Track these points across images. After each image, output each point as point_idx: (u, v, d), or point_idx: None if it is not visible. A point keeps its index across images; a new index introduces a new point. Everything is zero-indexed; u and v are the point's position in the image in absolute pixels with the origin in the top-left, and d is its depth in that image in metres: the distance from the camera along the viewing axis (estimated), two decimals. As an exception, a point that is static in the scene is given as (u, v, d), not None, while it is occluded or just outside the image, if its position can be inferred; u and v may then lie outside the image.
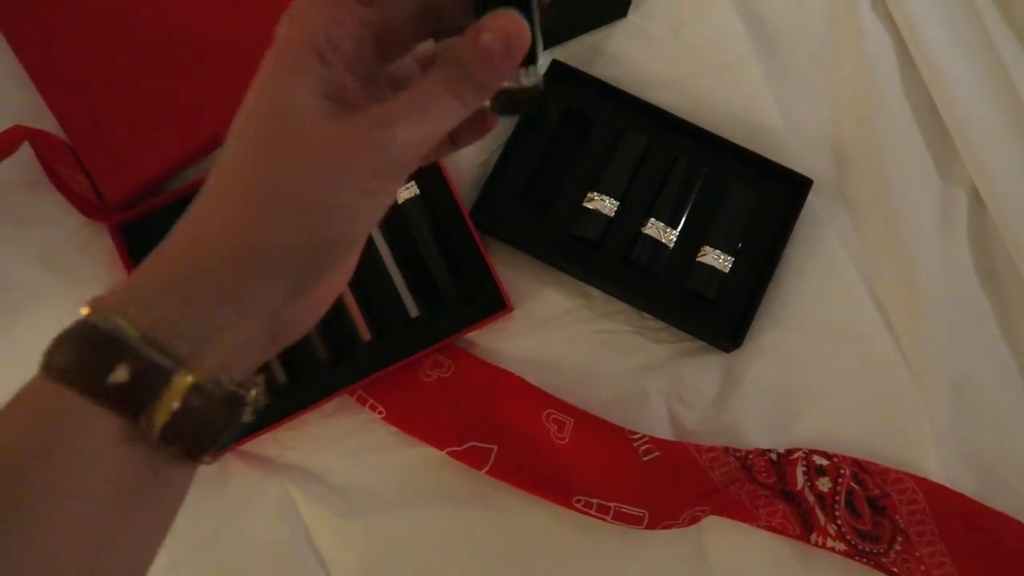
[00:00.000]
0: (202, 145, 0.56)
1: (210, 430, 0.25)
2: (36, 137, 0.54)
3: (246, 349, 0.27)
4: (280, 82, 0.26)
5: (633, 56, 0.59)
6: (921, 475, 0.52)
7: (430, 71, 0.26)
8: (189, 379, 0.25)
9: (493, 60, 0.26)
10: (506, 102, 0.28)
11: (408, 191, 0.56)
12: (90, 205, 0.56)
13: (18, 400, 0.25)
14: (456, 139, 0.31)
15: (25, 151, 0.56)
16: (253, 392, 0.27)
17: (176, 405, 0.24)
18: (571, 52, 0.58)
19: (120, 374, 0.24)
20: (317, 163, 0.25)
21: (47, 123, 0.56)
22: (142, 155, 0.55)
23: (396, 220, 0.56)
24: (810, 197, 0.56)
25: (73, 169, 0.55)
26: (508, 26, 0.25)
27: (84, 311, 0.25)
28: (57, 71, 0.56)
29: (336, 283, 0.31)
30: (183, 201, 0.56)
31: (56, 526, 0.24)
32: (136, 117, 0.56)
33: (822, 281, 0.56)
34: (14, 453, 0.24)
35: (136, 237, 0.56)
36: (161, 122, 0.56)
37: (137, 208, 0.55)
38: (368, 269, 0.56)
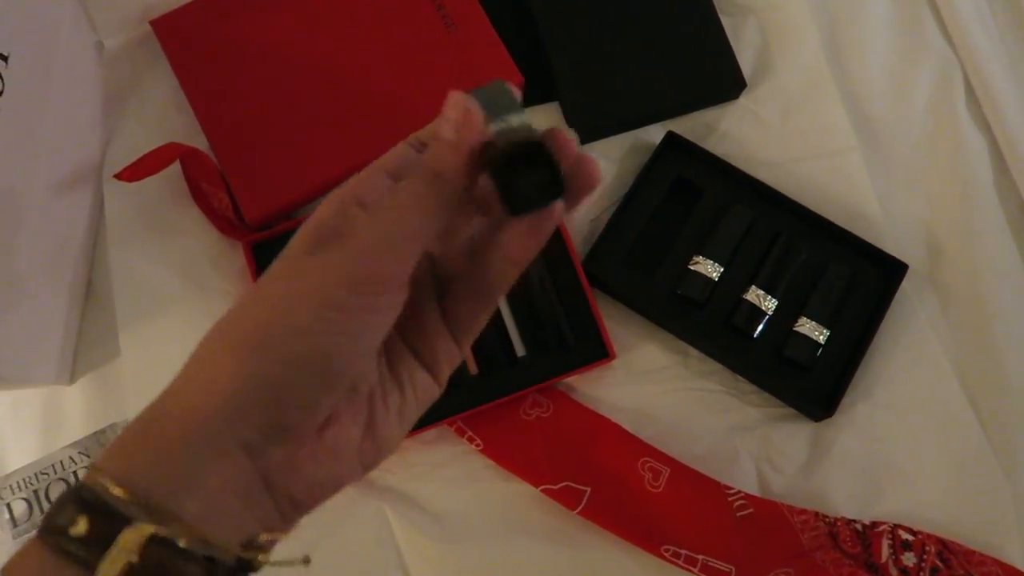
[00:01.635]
0: (337, 177, 0.60)
1: None
2: (188, 155, 0.59)
3: (232, 499, 0.25)
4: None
5: (743, 136, 0.63)
6: (1006, 561, 0.53)
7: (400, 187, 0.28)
8: (149, 531, 0.23)
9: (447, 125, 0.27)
10: (509, 174, 0.26)
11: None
12: (228, 223, 0.60)
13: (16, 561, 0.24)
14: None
15: (173, 168, 0.60)
16: (249, 556, 0.25)
17: (134, 559, 0.23)
18: (685, 127, 0.63)
19: (80, 526, 0.23)
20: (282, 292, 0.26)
21: (199, 143, 0.60)
22: (282, 182, 0.59)
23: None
24: (904, 282, 0.59)
25: (217, 187, 0.59)
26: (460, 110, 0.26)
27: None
28: (213, 96, 0.61)
29: (345, 436, 0.28)
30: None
31: None
32: (281, 145, 0.60)
33: (912, 362, 0.58)
34: None
35: (267, 256, 0.60)
36: (303, 152, 0.60)
37: (271, 229, 0.59)
38: (480, 307, 0.59)
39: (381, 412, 0.30)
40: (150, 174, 0.57)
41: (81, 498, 0.24)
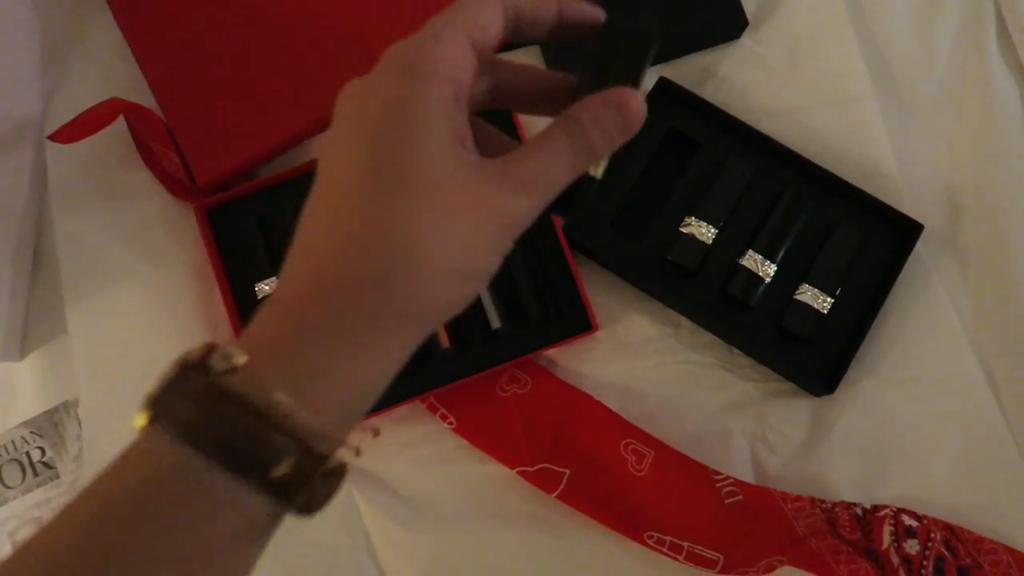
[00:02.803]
0: (297, 134, 0.55)
1: (330, 499, 0.26)
2: (133, 111, 0.54)
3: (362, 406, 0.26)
4: (421, 114, 0.25)
5: (745, 82, 0.57)
6: (1017, 548, 0.49)
7: (548, 131, 0.27)
8: (336, 463, 0.25)
9: (610, 132, 0.27)
10: None
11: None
12: (179, 185, 0.55)
13: (134, 456, 0.24)
14: None
15: (118, 126, 0.55)
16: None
17: (320, 489, 0.25)
18: (680, 71, 0.56)
19: (284, 467, 0.24)
20: (450, 204, 0.25)
21: (145, 99, 0.55)
22: (236, 139, 0.54)
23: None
24: (919, 244, 0.53)
25: (166, 147, 0.54)
26: (631, 103, 0.27)
27: (231, 361, 0.24)
28: (160, 48, 0.56)
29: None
30: (272, 188, 0.55)
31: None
32: (234, 101, 0.55)
33: (925, 333, 0.53)
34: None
35: (222, 220, 0.55)
36: (258, 108, 0.55)
37: (225, 192, 0.54)
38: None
39: None
40: (89, 134, 0.52)
41: (275, 438, 0.24)
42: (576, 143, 0.26)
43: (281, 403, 0.24)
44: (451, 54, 0.26)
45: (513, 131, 0.55)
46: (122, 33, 0.56)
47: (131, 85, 0.56)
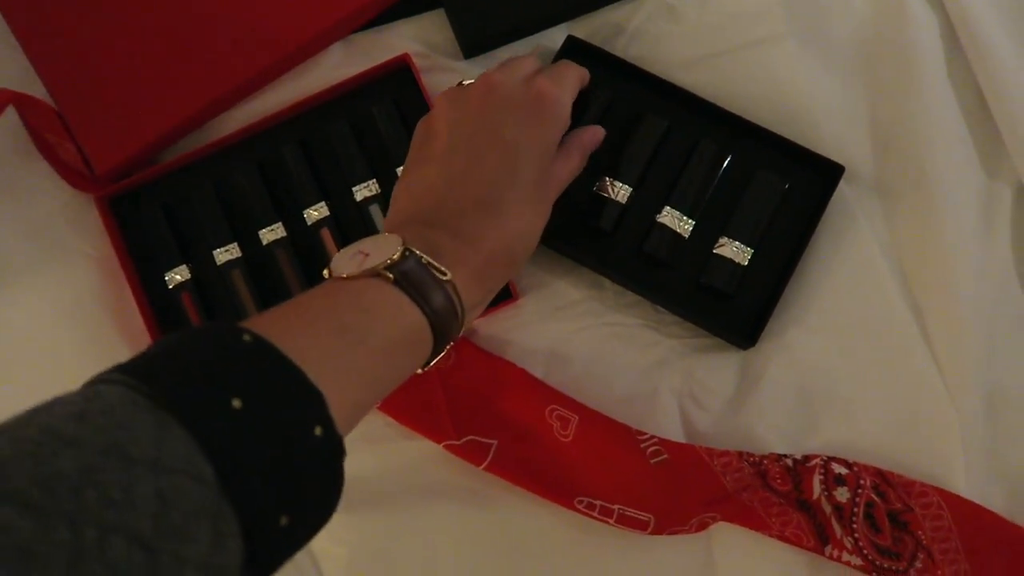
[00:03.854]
0: (197, 115, 0.53)
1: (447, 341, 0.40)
2: (23, 102, 0.52)
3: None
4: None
5: (656, 34, 0.55)
6: (948, 490, 0.49)
7: (564, 143, 0.46)
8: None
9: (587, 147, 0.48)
10: None
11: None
12: (78, 176, 0.53)
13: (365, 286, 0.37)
14: None
15: (12, 117, 0.53)
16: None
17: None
18: (590, 28, 0.55)
19: (438, 300, 0.38)
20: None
21: (36, 89, 0.53)
22: (133, 124, 0.53)
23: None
24: (843, 187, 0.52)
25: (62, 137, 0.52)
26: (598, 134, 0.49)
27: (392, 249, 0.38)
28: (46, 34, 0.54)
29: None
30: (175, 173, 0.53)
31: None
32: (128, 85, 0.53)
33: (851, 278, 0.52)
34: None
35: (126, 209, 0.53)
36: (154, 91, 0.53)
37: (127, 180, 0.53)
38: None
39: None
40: (-25, 128, 0.50)
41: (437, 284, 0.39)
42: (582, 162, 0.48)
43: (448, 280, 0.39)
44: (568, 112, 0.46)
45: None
46: (5, 20, 0.54)
47: (20, 75, 0.54)
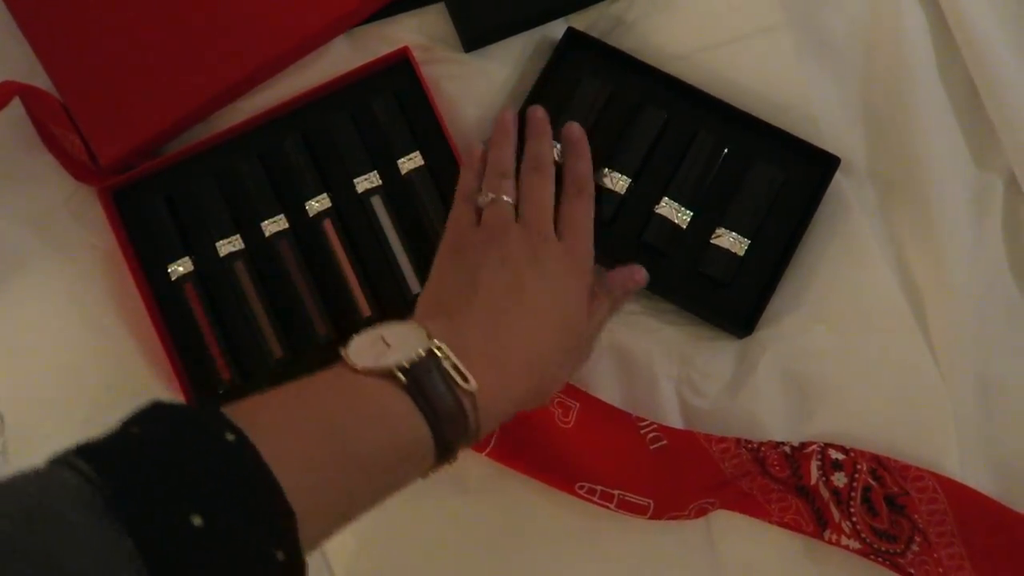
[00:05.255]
0: (200, 107, 0.54)
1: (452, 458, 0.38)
2: (28, 93, 0.52)
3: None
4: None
5: (654, 26, 0.56)
6: (943, 474, 0.49)
7: (599, 297, 0.47)
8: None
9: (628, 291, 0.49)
10: None
11: (412, 161, 0.53)
12: (82, 167, 0.54)
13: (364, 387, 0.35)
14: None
15: (17, 110, 0.54)
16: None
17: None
18: (588, 21, 0.55)
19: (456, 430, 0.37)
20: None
21: (40, 80, 0.54)
22: (137, 116, 0.53)
23: (400, 192, 0.54)
24: (838, 178, 0.53)
25: (66, 129, 0.53)
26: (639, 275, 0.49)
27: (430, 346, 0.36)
28: (51, 26, 0.54)
29: None
30: (177, 165, 0.54)
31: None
32: (132, 77, 0.54)
33: (847, 266, 0.53)
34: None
35: (129, 201, 0.54)
36: (158, 83, 0.53)
37: (130, 172, 0.53)
38: (370, 242, 0.53)
39: None
40: (-18, 120, 0.51)
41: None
42: (615, 305, 0.48)
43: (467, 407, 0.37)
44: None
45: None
46: (10, 12, 0.54)
47: (25, 67, 0.54)
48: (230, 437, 0.28)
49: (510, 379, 0.39)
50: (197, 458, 0.27)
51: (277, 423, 0.32)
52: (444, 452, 0.36)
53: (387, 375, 0.35)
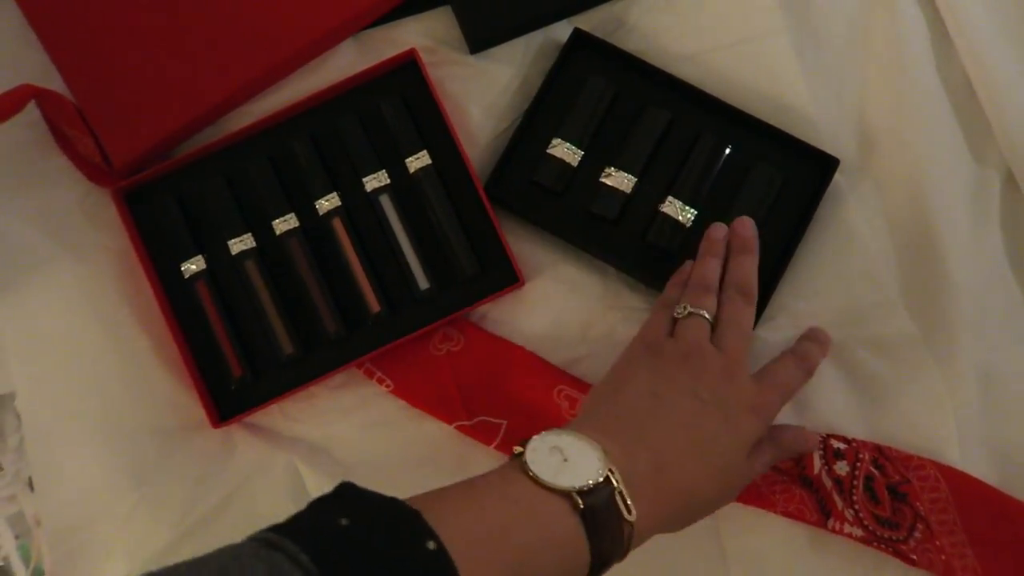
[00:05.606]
0: (212, 110, 0.55)
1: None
2: (43, 96, 0.53)
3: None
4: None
5: (656, 27, 0.57)
6: (943, 462, 0.50)
7: (764, 446, 0.46)
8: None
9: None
10: None
11: (420, 160, 0.54)
12: (96, 169, 0.55)
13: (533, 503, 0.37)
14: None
15: (32, 112, 0.55)
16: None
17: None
18: (593, 23, 0.57)
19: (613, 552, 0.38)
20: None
21: (55, 84, 0.55)
22: (150, 119, 0.54)
23: (408, 190, 0.55)
24: (837, 176, 0.54)
25: (80, 131, 0.54)
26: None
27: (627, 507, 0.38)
28: (65, 30, 0.55)
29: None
30: (189, 167, 0.55)
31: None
32: (145, 80, 0.54)
33: (846, 263, 0.54)
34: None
35: (142, 202, 0.55)
36: (171, 85, 0.54)
37: (142, 173, 0.54)
38: (379, 240, 0.54)
39: None
40: (0, 123, 0.52)
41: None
42: (777, 458, 0.47)
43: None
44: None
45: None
46: (26, 18, 0.55)
47: (40, 71, 0.55)
48: (431, 545, 0.31)
49: (665, 512, 0.40)
50: (403, 564, 0.30)
51: (463, 530, 0.33)
52: (595, 573, 0.37)
53: (564, 495, 0.36)
